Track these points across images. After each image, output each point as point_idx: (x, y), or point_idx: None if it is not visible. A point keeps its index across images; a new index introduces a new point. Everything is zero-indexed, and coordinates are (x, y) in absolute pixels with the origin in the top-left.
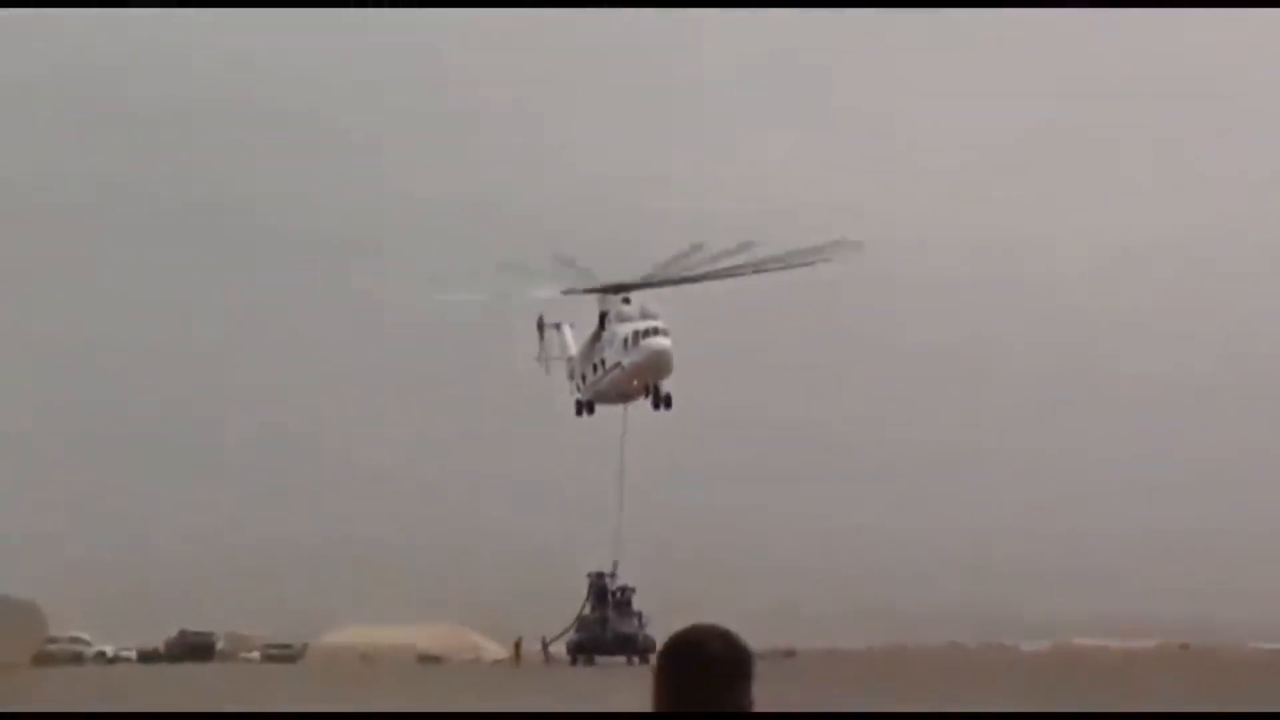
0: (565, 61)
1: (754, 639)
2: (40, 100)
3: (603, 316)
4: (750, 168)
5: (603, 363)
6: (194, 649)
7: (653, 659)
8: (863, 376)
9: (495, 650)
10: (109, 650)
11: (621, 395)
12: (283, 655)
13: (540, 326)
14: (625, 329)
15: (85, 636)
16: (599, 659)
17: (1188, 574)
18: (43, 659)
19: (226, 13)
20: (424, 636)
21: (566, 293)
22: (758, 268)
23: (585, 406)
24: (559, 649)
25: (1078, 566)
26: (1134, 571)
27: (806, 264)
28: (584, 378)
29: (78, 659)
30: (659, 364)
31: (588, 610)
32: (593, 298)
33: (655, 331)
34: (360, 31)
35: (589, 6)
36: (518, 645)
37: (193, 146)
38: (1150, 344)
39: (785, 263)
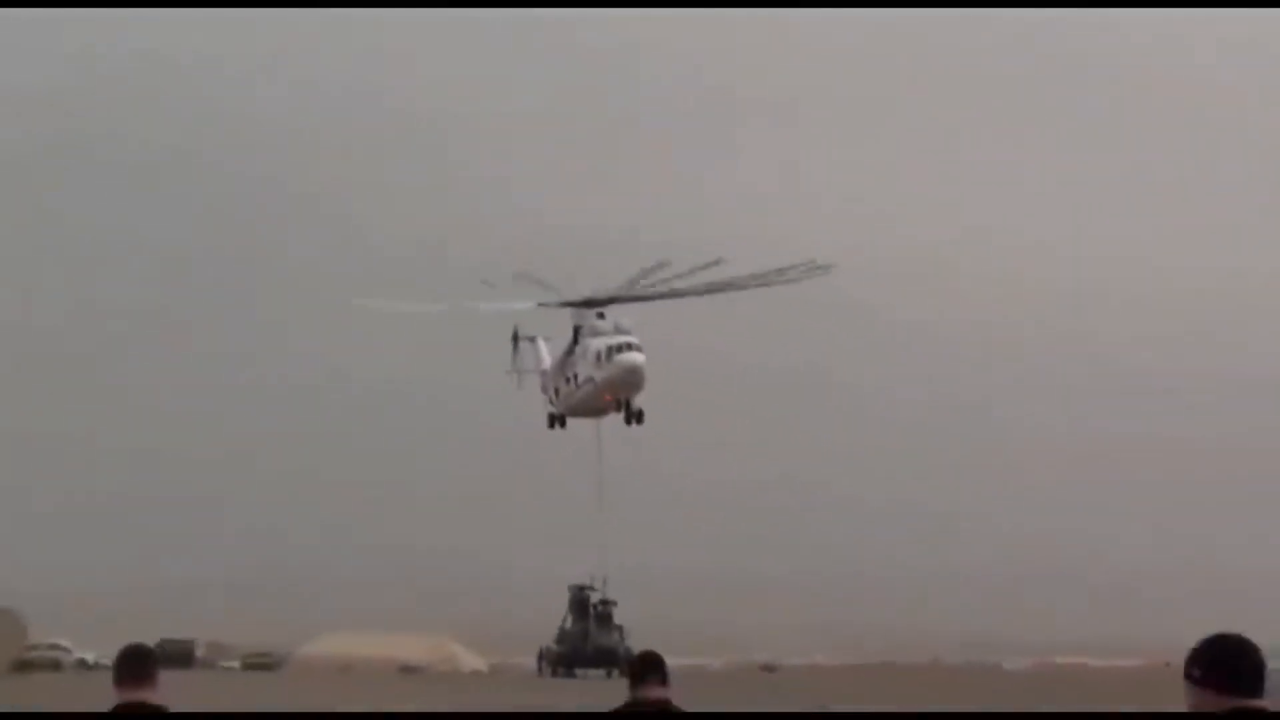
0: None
1: (734, 653)
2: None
3: (576, 330)
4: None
5: (575, 377)
6: (173, 657)
7: None
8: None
9: (475, 661)
10: (89, 657)
11: (594, 410)
12: (262, 664)
13: (515, 339)
14: (598, 343)
15: (65, 644)
16: (578, 671)
17: (1173, 594)
18: (22, 666)
19: None
20: (405, 647)
21: (542, 305)
22: (729, 285)
23: (557, 420)
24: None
25: (1062, 587)
26: (1119, 591)
27: (776, 283)
28: (557, 391)
29: (57, 666)
30: (631, 379)
31: (568, 623)
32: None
33: (628, 347)
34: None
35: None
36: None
37: None
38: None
39: (758, 281)
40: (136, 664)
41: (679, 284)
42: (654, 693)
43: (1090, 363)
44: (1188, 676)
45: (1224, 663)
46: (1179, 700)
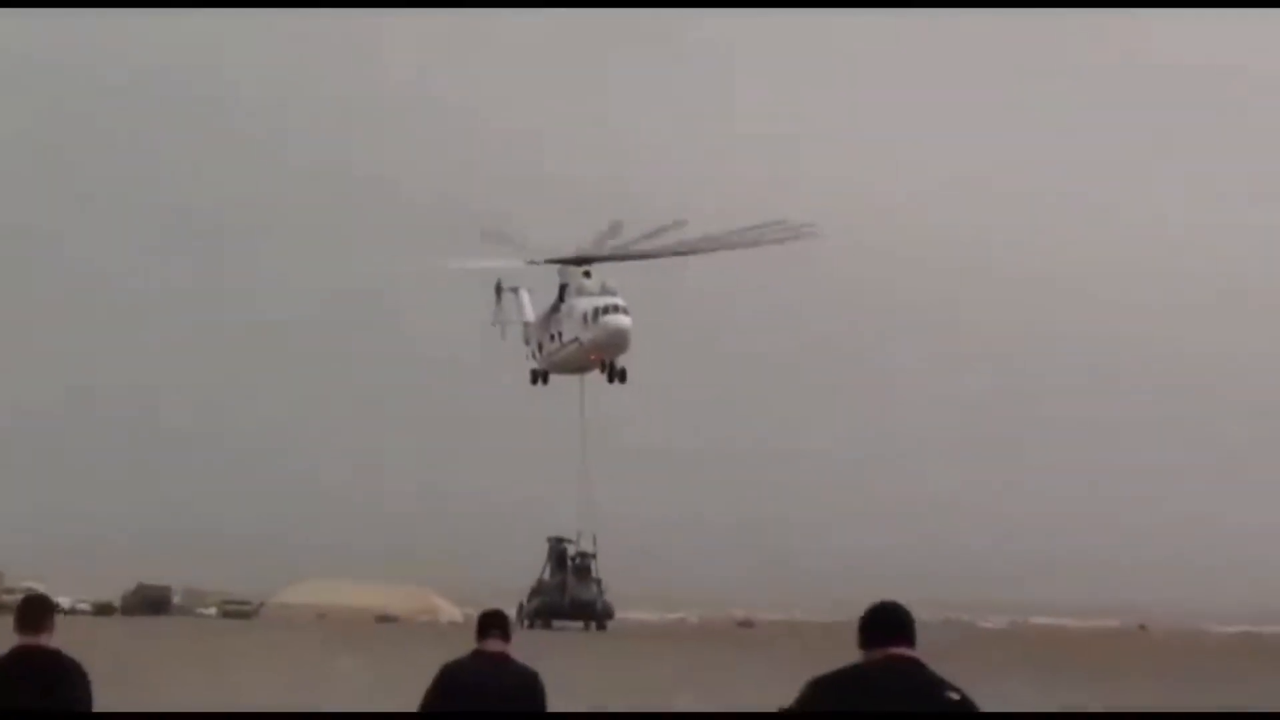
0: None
1: (711, 608)
2: None
3: (562, 288)
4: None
5: (560, 335)
6: (150, 603)
7: (610, 626)
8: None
9: (453, 612)
10: (64, 602)
11: (577, 368)
12: (239, 611)
13: (498, 290)
14: (585, 304)
15: (40, 588)
16: (555, 624)
17: (1148, 557)
18: None
19: None
20: (383, 596)
21: (531, 263)
22: (719, 244)
23: (540, 376)
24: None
25: (1040, 547)
26: (1093, 554)
27: (769, 242)
28: (540, 346)
29: None
30: (618, 342)
31: (546, 575)
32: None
33: (615, 309)
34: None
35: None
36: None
37: None
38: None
39: (748, 240)
40: (29, 612)
41: (663, 246)
42: (494, 646)
43: (1064, 346)
44: (860, 647)
45: (872, 625)
46: (1152, 660)
